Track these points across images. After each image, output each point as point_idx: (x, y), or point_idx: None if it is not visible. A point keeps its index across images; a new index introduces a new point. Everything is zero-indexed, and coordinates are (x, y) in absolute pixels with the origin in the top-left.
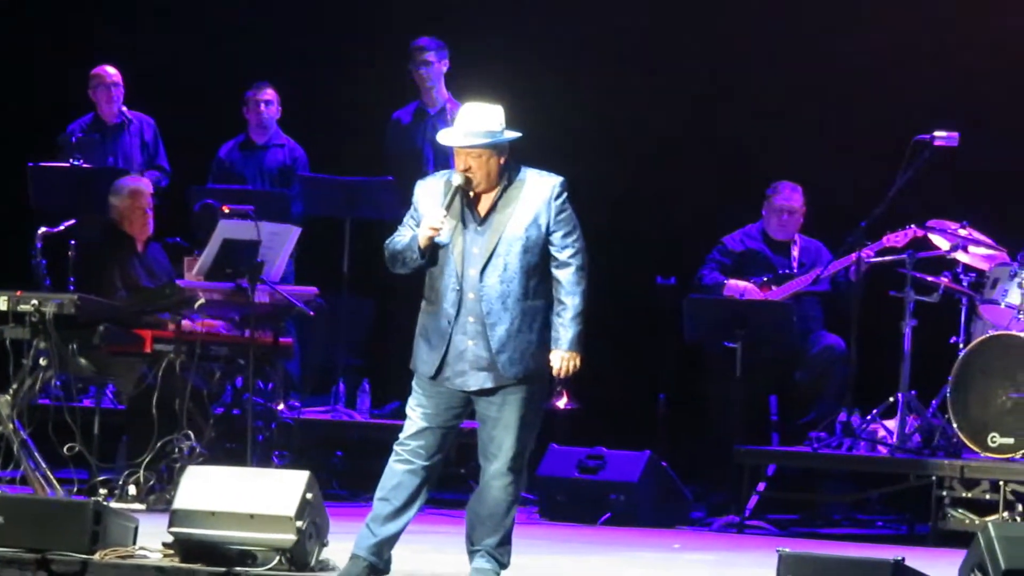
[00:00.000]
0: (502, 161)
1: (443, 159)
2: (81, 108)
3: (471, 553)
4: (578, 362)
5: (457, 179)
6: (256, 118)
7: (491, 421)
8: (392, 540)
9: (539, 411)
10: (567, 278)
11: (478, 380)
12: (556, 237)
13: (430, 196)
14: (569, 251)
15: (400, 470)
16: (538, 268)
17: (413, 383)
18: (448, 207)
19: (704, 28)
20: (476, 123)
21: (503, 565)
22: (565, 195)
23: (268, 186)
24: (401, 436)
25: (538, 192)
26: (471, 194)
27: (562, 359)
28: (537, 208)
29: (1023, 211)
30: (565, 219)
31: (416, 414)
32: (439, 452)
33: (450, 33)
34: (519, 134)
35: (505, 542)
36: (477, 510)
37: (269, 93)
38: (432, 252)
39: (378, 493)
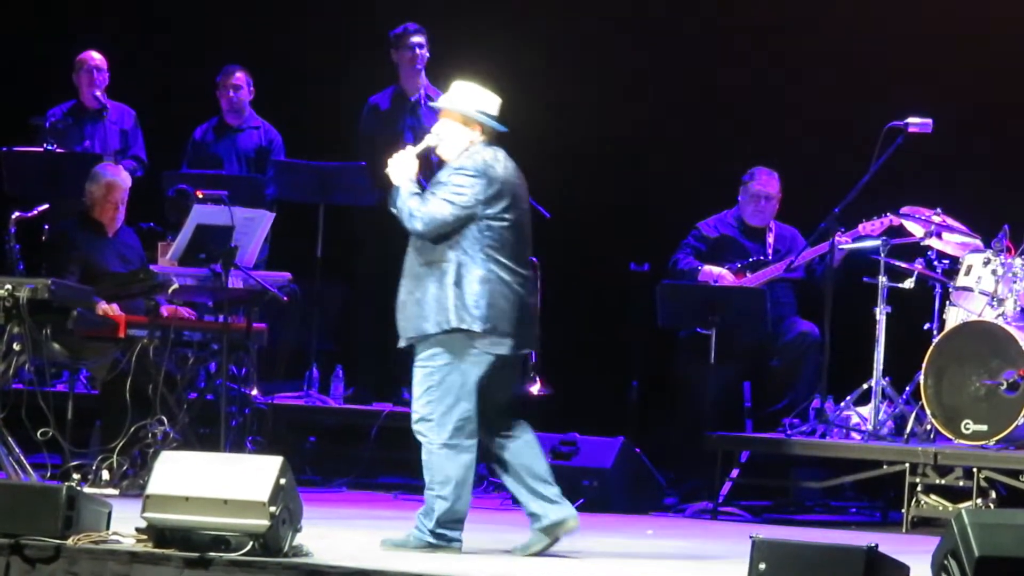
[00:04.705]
0: (470, 138)
1: None
2: (57, 97)
3: None
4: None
5: (430, 138)
6: (227, 103)
7: None
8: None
9: (441, 374)
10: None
11: (400, 342)
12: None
13: None
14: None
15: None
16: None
17: None
18: (415, 154)
19: (677, 15)
20: (456, 94)
21: (418, 535)
22: (466, 167)
23: (244, 167)
24: None
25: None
26: (430, 158)
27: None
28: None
29: (997, 197)
30: (442, 178)
31: None
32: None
33: (431, 18)
34: (495, 124)
35: (426, 512)
36: None
37: (239, 77)
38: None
39: None
